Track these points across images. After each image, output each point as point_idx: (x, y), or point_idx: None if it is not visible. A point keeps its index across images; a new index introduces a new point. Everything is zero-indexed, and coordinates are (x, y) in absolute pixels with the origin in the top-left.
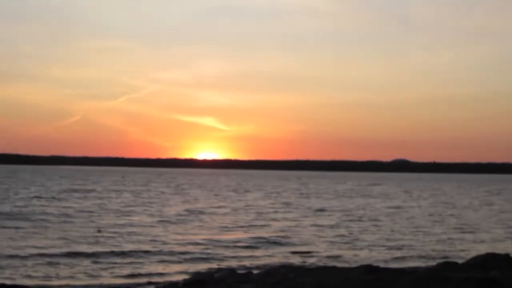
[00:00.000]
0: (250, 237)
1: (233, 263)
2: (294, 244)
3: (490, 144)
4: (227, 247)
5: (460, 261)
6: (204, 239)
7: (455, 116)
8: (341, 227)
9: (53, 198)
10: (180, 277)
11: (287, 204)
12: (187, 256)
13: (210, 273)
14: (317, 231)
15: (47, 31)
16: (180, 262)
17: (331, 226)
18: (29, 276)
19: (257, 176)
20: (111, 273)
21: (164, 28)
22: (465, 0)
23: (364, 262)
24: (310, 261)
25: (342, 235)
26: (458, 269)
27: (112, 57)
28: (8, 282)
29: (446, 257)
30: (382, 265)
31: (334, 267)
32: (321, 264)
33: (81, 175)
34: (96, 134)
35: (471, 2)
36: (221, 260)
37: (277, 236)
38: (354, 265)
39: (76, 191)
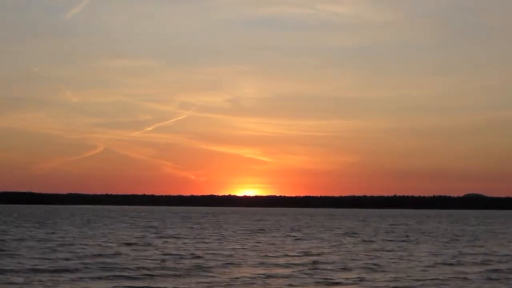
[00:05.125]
0: None
1: None
2: None
3: None
4: None
5: None
6: None
7: None
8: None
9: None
10: None
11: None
12: None
13: None
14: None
15: (60, 50)
16: None
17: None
18: None
19: (313, 215)
20: None
21: (194, 45)
22: None
23: None
24: None
25: None
26: None
27: (137, 79)
28: None
29: None
30: None
31: None
32: None
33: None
34: (120, 168)
35: None
36: None
37: None
38: None
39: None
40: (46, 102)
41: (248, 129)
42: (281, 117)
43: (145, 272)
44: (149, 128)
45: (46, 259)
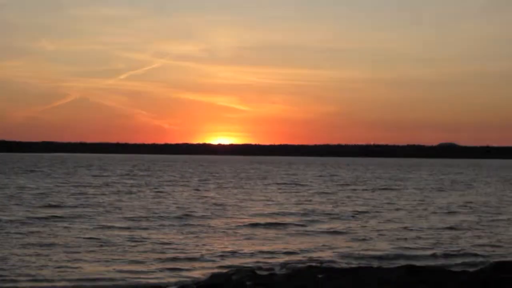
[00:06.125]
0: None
1: (254, 262)
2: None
3: None
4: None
5: None
6: None
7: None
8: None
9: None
10: (193, 280)
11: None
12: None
13: (227, 275)
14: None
15: None
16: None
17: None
18: None
19: (289, 163)
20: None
21: None
22: None
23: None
24: (343, 260)
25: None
26: None
27: (111, 28)
28: None
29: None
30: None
31: (370, 267)
32: (355, 264)
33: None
34: (93, 117)
35: None
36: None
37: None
38: (393, 265)
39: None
40: (20, 50)
41: (224, 78)
42: (258, 66)
43: (130, 222)
44: (123, 76)
45: (22, 205)
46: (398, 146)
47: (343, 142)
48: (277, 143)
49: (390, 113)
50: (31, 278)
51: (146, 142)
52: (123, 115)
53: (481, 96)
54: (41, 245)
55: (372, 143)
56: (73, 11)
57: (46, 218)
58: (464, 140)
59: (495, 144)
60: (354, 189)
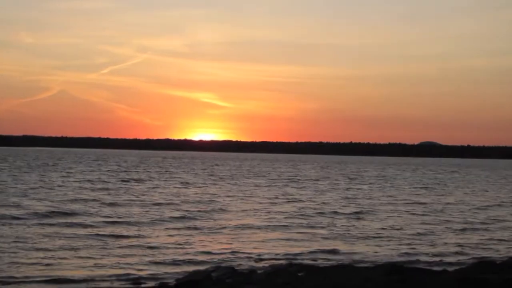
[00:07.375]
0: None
1: (235, 261)
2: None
3: None
4: None
5: (498, 260)
6: None
7: (494, 92)
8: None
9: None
10: (172, 277)
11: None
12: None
13: (206, 272)
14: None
15: None
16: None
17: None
18: None
19: (272, 161)
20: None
21: None
22: None
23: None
24: (327, 259)
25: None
26: (495, 270)
27: (93, 21)
28: None
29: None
30: (407, 264)
31: (351, 266)
32: (336, 262)
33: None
34: (75, 111)
35: None
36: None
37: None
38: (375, 264)
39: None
40: (0, 43)
41: (206, 74)
42: (240, 62)
43: (113, 219)
44: (105, 71)
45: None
46: (378, 145)
47: (324, 140)
48: (258, 140)
49: (370, 111)
50: (10, 279)
51: (127, 137)
52: (104, 109)
53: (463, 95)
54: (22, 242)
55: (351, 141)
56: (54, 3)
57: (31, 214)
58: (446, 139)
59: (475, 144)
60: (347, 188)
